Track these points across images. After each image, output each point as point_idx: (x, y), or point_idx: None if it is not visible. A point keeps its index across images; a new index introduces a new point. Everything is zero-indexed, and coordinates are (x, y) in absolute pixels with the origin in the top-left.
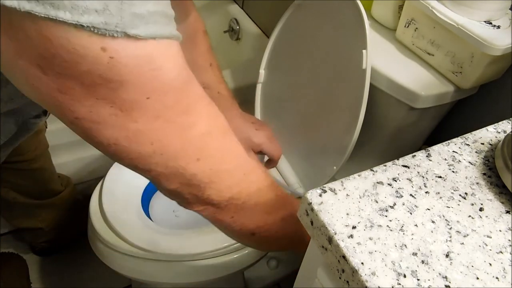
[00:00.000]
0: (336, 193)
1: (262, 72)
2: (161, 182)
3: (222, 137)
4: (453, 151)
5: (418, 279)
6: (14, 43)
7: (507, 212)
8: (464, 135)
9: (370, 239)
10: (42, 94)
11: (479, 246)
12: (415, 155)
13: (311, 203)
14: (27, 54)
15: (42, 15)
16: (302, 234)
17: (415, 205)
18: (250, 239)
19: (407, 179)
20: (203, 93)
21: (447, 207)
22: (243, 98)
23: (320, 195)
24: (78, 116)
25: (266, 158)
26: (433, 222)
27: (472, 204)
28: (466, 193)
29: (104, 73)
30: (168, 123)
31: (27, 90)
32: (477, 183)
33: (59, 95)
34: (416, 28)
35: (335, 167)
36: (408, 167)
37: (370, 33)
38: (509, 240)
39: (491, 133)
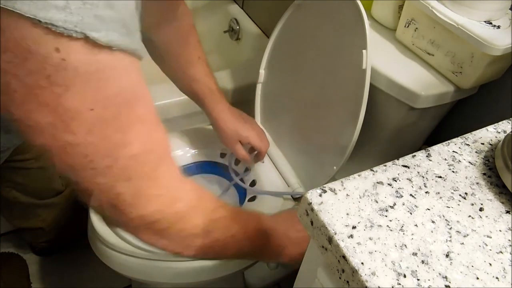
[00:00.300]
0: (336, 193)
1: (262, 72)
2: (86, 196)
3: (158, 162)
4: (453, 151)
5: (418, 279)
6: None
7: (507, 212)
8: (464, 135)
9: (370, 239)
10: None
11: (479, 246)
12: (415, 155)
13: (311, 203)
14: None
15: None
16: (265, 247)
17: (415, 205)
18: (178, 256)
19: (407, 179)
20: (149, 114)
21: (447, 207)
22: (243, 98)
23: (320, 195)
24: (16, 118)
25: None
26: (433, 222)
27: (472, 204)
28: (466, 193)
29: (52, 75)
30: (105, 138)
31: None
32: (477, 183)
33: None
34: (416, 28)
35: (335, 167)
36: (408, 167)
37: (370, 33)
38: (509, 240)
39: (491, 133)
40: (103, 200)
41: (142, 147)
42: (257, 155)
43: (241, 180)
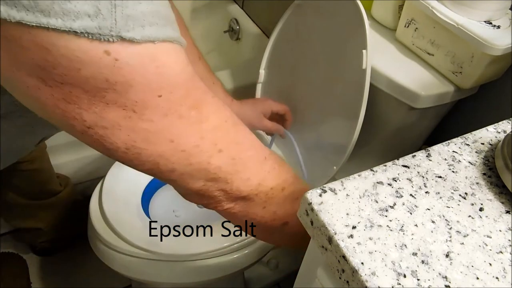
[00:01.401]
0: (336, 193)
1: (262, 72)
2: (186, 183)
3: (234, 127)
4: (453, 151)
5: (418, 279)
6: (9, 55)
7: (507, 212)
8: (464, 135)
9: (370, 239)
10: (46, 106)
11: (479, 246)
12: (415, 155)
13: (311, 203)
14: (24, 65)
15: (34, 24)
16: None
17: (415, 205)
18: (283, 231)
19: (407, 179)
20: (206, 88)
21: (447, 207)
22: (243, 98)
23: (320, 195)
24: (89, 124)
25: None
26: (433, 222)
27: (472, 204)
28: (466, 193)
29: (110, 77)
30: (182, 118)
31: (30, 104)
32: (477, 183)
33: (65, 105)
34: (416, 28)
35: (335, 167)
36: (408, 167)
37: (370, 33)
38: (509, 240)
39: (491, 133)
40: (205, 180)
41: (218, 117)
42: (284, 119)
43: None
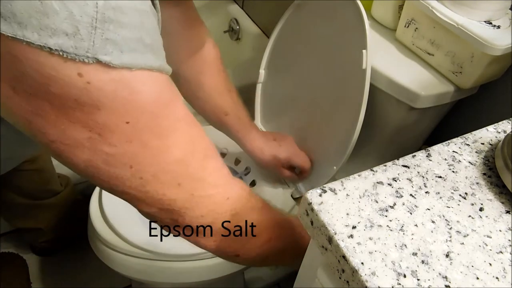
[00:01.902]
0: (336, 193)
1: (262, 72)
2: (139, 205)
3: (203, 161)
4: (453, 151)
5: (418, 279)
6: None
7: (507, 212)
8: (464, 135)
9: (370, 239)
10: (15, 115)
11: (479, 246)
12: (415, 155)
13: (311, 203)
14: (0, 72)
15: (10, 35)
16: (297, 248)
17: (415, 205)
18: (236, 260)
19: (407, 179)
20: (184, 116)
21: (447, 207)
22: (243, 98)
23: (320, 195)
24: (52, 139)
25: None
26: (433, 222)
27: (472, 204)
28: (466, 193)
29: (79, 98)
30: (145, 147)
31: (3, 111)
32: (477, 183)
33: (32, 117)
34: (416, 28)
35: (335, 167)
36: (408, 167)
37: (370, 33)
38: (509, 240)
39: (491, 133)
40: (157, 208)
41: (184, 150)
42: (301, 172)
43: (240, 179)
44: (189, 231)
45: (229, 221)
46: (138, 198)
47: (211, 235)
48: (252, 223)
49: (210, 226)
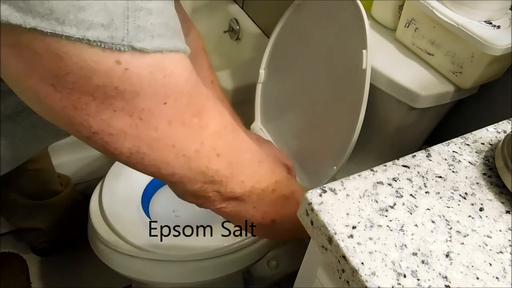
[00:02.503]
0: (336, 193)
1: (262, 72)
2: (185, 185)
3: (232, 132)
4: (453, 151)
5: (418, 279)
6: (23, 62)
7: (507, 212)
8: (464, 135)
9: (370, 239)
10: (55, 111)
11: (479, 246)
12: (415, 155)
13: (311, 203)
14: (37, 72)
15: (49, 31)
16: None
17: (415, 205)
18: (270, 229)
19: (407, 179)
20: (209, 94)
21: (447, 207)
22: (243, 98)
23: (320, 195)
24: (96, 130)
25: None
26: (433, 222)
27: (472, 204)
28: (466, 193)
29: (119, 85)
30: (184, 125)
31: (39, 108)
32: (477, 183)
33: (73, 112)
34: (416, 28)
35: (335, 167)
36: (408, 167)
37: (370, 33)
38: (509, 240)
39: (491, 133)
40: (202, 182)
41: (218, 123)
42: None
43: None
44: (232, 201)
45: (265, 185)
46: (183, 177)
47: (251, 202)
48: (284, 184)
49: (250, 192)
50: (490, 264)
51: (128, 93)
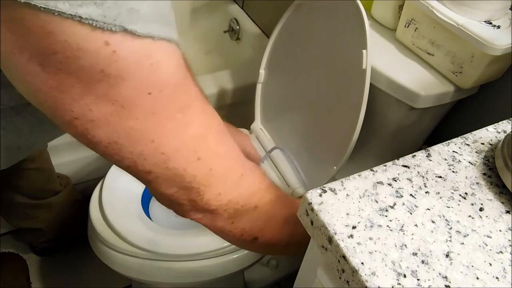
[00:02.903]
0: (336, 193)
1: (262, 72)
2: (160, 186)
3: (219, 138)
4: (453, 151)
5: (418, 279)
6: (15, 37)
7: (507, 212)
8: (464, 135)
9: (370, 239)
10: (41, 93)
11: (479, 246)
12: (415, 155)
13: (311, 203)
14: (28, 49)
15: (42, 6)
16: (300, 235)
17: (415, 205)
18: (253, 244)
19: (407, 179)
20: (199, 93)
21: (447, 207)
22: (243, 98)
23: (320, 195)
24: (77, 115)
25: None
26: (433, 222)
27: (472, 204)
28: (466, 193)
29: (106, 68)
30: (167, 119)
31: (26, 89)
32: (477, 183)
33: (58, 94)
34: (416, 28)
35: (335, 167)
36: (408, 167)
37: (370, 33)
38: (509, 240)
39: (491, 133)
40: (177, 187)
41: (202, 124)
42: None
43: None
44: (207, 213)
45: (246, 202)
46: (159, 177)
47: (229, 217)
48: (269, 201)
49: (228, 206)
50: (490, 264)
51: (113, 78)
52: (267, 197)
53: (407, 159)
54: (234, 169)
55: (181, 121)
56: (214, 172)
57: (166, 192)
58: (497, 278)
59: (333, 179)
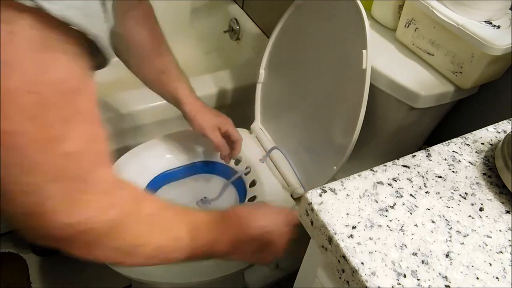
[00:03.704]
0: (336, 193)
1: (262, 72)
2: (5, 199)
3: (93, 163)
4: (453, 151)
5: (418, 279)
6: None
7: (507, 212)
8: (464, 135)
9: (370, 239)
10: None
11: (479, 246)
12: (415, 155)
13: (311, 203)
14: None
15: None
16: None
17: (415, 205)
18: (121, 265)
19: (407, 179)
20: (90, 111)
21: (447, 207)
22: (243, 98)
23: (320, 195)
24: None
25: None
26: (433, 222)
27: (472, 204)
28: (466, 193)
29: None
30: (43, 127)
31: None
32: (477, 183)
33: None
34: (416, 28)
35: (335, 167)
36: (408, 167)
37: (370, 33)
38: (509, 240)
39: (491, 133)
40: (24, 208)
41: (79, 144)
42: (234, 148)
43: (240, 178)
44: (54, 239)
45: (107, 232)
46: (7, 191)
47: (84, 245)
48: (140, 233)
49: (83, 235)
50: (490, 264)
51: (2, 65)
52: (140, 228)
53: (407, 159)
54: (98, 201)
55: (58, 132)
56: (74, 199)
57: (11, 210)
58: (497, 278)
59: (333, 179)
